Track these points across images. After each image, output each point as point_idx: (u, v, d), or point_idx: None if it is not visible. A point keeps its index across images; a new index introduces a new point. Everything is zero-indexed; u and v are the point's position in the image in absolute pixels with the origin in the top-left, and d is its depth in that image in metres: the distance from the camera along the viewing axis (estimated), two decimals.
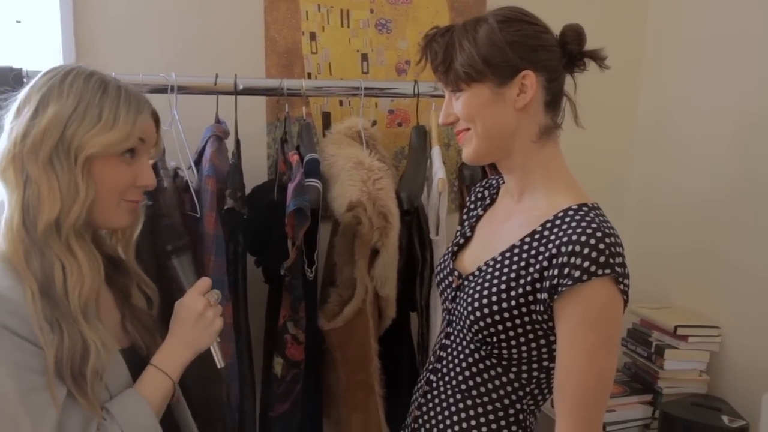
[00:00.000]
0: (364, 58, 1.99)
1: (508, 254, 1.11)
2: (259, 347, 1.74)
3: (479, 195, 1.34)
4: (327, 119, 1.97)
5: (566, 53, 1.13)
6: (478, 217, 1.28)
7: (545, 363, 1.12)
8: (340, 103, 1.98)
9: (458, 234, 1.31)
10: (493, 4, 2.08)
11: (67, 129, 1.01)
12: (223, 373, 1.46)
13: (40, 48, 1.80)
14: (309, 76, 1.94)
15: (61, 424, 0.96)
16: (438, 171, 1.64)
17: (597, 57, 1.14)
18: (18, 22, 1.86)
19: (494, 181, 1.32)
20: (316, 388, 1.70)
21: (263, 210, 1.58)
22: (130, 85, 1.10)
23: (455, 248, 1.27)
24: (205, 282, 1.19)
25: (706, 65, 2.09)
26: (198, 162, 1.56)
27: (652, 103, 2.32)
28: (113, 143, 1.04)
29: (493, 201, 1.29)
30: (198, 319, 1.15)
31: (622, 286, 1.03)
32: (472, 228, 1.28)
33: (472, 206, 1.34)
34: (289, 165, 1.61)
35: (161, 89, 1.56)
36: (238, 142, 1.65)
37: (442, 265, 1.27)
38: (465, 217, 1.35)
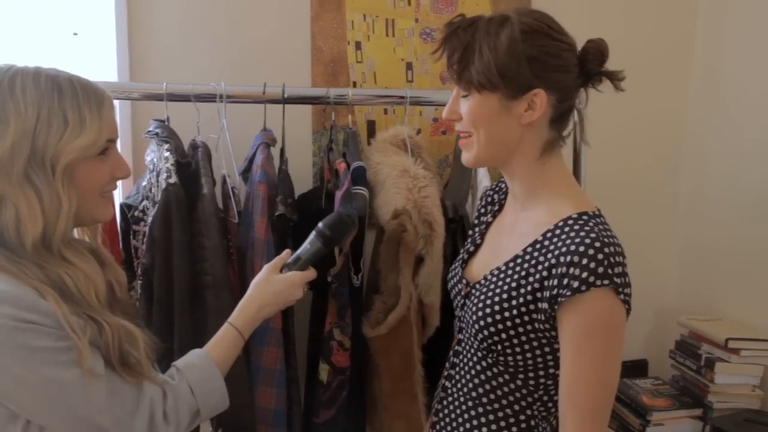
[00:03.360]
0: (409, 66, 2.00)
1: (511, 264, 1.12)
2: (302, 353, 1.76)
3: (489, 200, 1.34)
4: (372, 127, 1.98)
5: (584, 72, 1.11)
6: (488, 225, 1.28)
7: (551, 370, 1.12)
8: (385, 111, 1.99)
9: (469, 241, 1.31)
10: (539, 8, 2.09)
11: (36, 141, 0.97)
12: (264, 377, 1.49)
13: (96, 60, 1.86)
14: (354, 84, 1.96)
15: (113, 390, 0.98)
16: (483, 179, 1.64)
17: (614, 78, 1.12)
18: (75, 34, 1.92)
19: (503, 185, 1.31)
20: (361, 395, 1.70)
21: (310, 217, 1.59)
22: (78, 76, 1.04)
23: (466, 256, 1.28)
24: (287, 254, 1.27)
25: (763, 52, 2.03)
26: (247, 169, 1.59)
27: (702, 106, 2.26)
28: (87, 146, 1.00)
29: (501, 207, 1.28)
30: (287, 288, 1.21)
31: (622, 296, 1.02)
32: (482, 235, 1.28)
33: (483, 211, 1.34)
34: (336, 173, 1.62)
35: (210, 98, 1.59)
36: (282, 150, 1.68)
37: (453, 273, 1.28)
38: (476, 222, 1.35)
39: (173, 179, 1.43)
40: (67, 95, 0.99)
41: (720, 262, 2.18)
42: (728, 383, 1.94)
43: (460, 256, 1.30)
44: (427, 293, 1.62)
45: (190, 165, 1.52)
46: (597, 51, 1.10)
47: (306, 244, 1.26)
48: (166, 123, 1.59)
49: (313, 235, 1.26)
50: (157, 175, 1.57)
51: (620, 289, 1.01)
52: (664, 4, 2.25)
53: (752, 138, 2.05)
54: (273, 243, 1.49)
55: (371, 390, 1.73)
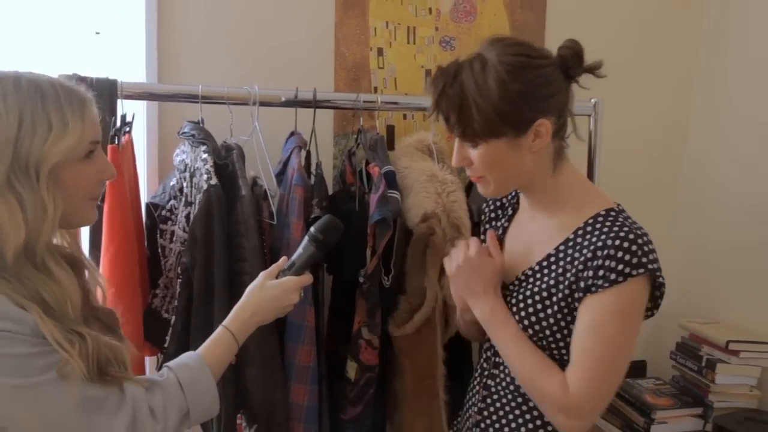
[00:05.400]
0: (428, 73, 2.06)
1: (545, 263, 1.18)
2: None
3: (499, 204, 1.39)
4: (391, 132, 2.03)
5: (569, 78, 1.15)
6: (505, 229, 1.33)
7: None
8: (404, 116, 2.05)
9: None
10: (554, 23, 2.16)
11: (20, 147, 0.95)
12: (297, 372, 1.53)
13: (120, 59, 1.87)
14: (375, 90, 2.01)
15: (86, 394, 0.96)
16: None
17: (594, 71, 1.15)
18: (97, 33, 1.93)
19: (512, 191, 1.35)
20: (384, 393, 1.75)
21: (339, 218, 1.63)
22: (60, 78, 1.03)
23: None
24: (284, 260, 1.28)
25: (764, 61, 2.12)
26: (281, 172, 1.63)
27: (705, 119, 2.35)
28: (71, 149, 0.99)
29: (515, 210, 1.33)
30: (282, 293, 1.22)
31: (660, 279, 1.11)
32: (500, 240, 1.33)
33: (493, 215, 1.39)
34: (366, 176, 1.67)
35: (242, 101, 1.62)
36: (308, 154, 1.72)
37: None
38: (488, 227, 1.39)
39: (214, 180, 1.46)
40: (50, 98, 0.98)
41: (719, 266, 2.28)
42: (728, 383, 2.03)
43: None
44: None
45: (227, 167, 1.55)
46: (574, 55, 1.14)
47: (300, 250, 1.28)
48: (201, 124, 1.62)
49: (306, 240, 1.28)
50: (191, 176, 1.60)
51: (656, 273, 1.10)
52: (668, 10, 2.34)
53: (755, 143, 2.15)
54: None
55: (392, 388, 1.78)
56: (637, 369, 2.39)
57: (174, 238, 1.64)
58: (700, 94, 2.37)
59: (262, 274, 1.26)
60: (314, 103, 1.67)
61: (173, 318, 1.55)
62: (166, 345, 1.57)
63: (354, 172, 1.77)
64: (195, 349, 1.41)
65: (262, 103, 1.64)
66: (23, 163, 0.95)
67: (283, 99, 1.66)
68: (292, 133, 1.72)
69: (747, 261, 2.16)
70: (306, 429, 1.57)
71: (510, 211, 1.35)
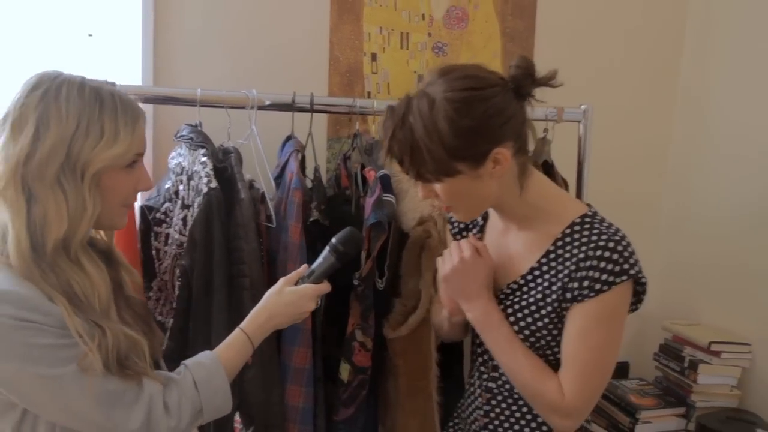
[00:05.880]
0: (421, 79, 2.09)
1: (529, 277, 1.22)
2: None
3: None
4: None
5: (521, 95, 1.14)
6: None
7: None
8: None
9: None
10: (543, 30, 2.20)
11: (72, 147, 1.02)
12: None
13: (115, 61, 1.87)
14: (368, 95, 2.04)
15: (106, 387, 1.01)
16: None
17: (549, 83, 1.15)
18: (90, 35, 1.93)
19: None
20: (377, 395, 1.77)
21: (336, 221, 1.65)
22: (120, 91, 1.11)
23: None
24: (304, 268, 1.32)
25: (744, 77, 2.19)
26: (279, 175, 1.64)
27: (689, 123, 2.41)
28: (117, 157, 1.06)
29: (485, 220, 1.36)
30: (299, 299, 1.25)
31: (642, 280, 1.15)
32: None
33: (462, 225, 1.41)
34: (362, 180, 1.69)
35: (240, 105, 1.64)
36: (303, 158, 1.73)
37: None
38: (459, 238, 1.41)
39: (214, 184, 1.47)
40: (107, 108, 1.06)
41: (699, 273, 2.34)
42: (709, 383, 2.09)
43: None
44: None
45: (225, 170, 1.56)
46: (524, 75, 1.13)
47: (320, 259, 1.32)
48: (199, 128, 1.63)
49: (327, 250, 1.32)
50: (188, 179, 1.61)
51: (639, 276, 1.14)
52: (651, 31, 2.39)
53: (732, 161, 2.21)
54: (305, 247, 1.55)
55: (385, 390, 1.80)
56: (621, 370, 2.44)
57: (169, 241, 1.64)
58: (681, 117, 2.44)
59: (281, 280, 1.29)
60: (311, 108, 1.69)
61: (170, 320, 1.56)
62: (164, 346, 1.58)
63: (349, 175, 1.78)
64: (193, 351, 1.44)
65: (260, 107, 1.66)
66: (72, 163, 1.02)
67: (281, 103, 1.67)
68: (289, 137, 1.74)
69: (726, 267, 2.22)
70: (301, 430, 1.59)
71: (480, 221, 1.37)
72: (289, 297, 1.26)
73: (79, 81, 1.06)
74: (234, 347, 1.20)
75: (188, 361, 1.16)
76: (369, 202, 1.57)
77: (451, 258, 1.26)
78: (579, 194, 1.92)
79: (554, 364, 1.22)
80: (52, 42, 1.85)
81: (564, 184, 1.90)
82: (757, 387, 2.09)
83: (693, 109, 2.39)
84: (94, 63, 1.86)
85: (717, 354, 2.06)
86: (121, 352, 1.04)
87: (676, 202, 2.45)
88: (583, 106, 1.89)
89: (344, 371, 1.67)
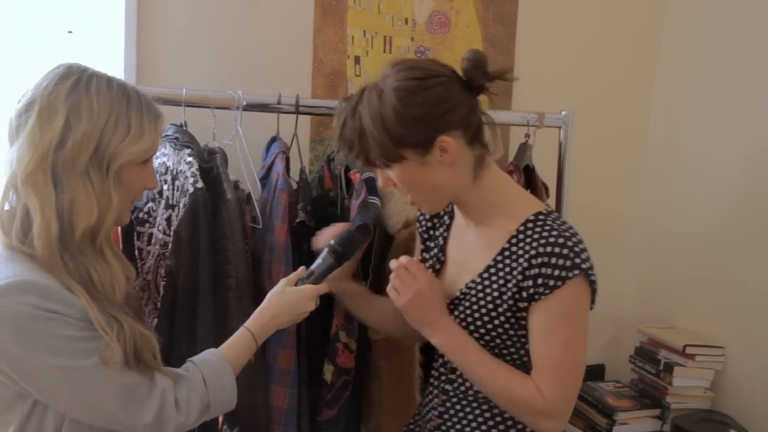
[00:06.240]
0: None
1: (485, 274, 1.22)
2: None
3: (434, 214, 1.40)
4: None
5: (473, 88, 1.17)
6: (445, 239, 1.37)
7: None
8: None
9: (432, 259, 1.38)
10: (524, 37, 2.24)
11: (102, 140, 1.05)
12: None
13: (96, 59, 1.85)
14: None
15: (124, 381, 1.04)
16: None
17: (503, 76, 1.18)
18: (70, 32, 1.91)
19: None
20: (360, 396, 1.77)
21: (320, 222, 1.65)
22: (142, 90, 1.15)
23: (433, 273, 1.34)
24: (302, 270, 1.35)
25: (717, 92, 2.25)
26: (265, 176, 1.64)
27: (663, 129, 2.47)
28: (142, 153, 1.10)
29: (451, 218, 1.36)
30: (299, 299, 1.28)
31: (592, 277, 1.16)
32: (443, 250, 1.36)
33: (430, 224, 1.42)
34: (346, 182, 1.69)
35: (225, 105, 1.63)
36: (288, 159, 1.73)
37: None
38: (426, 236, 1.42)
39: (200, 184, 1.46)
40: (134, 104, 1.10)
41: (672, 282, 2.40)
42: (684, 386, 2.13)
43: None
44: None
45: (211, 170, 1.55)
46: (474, 67, 1.16)
47: (319, 260, 1.35)
48: (184, 128, 1.62)
49: (326, 251, 1.35)
50: (173, 179, 1.59)
51: (589, 272, 1.14)
52: (628, 40, 2.45)
53: (702, 179, 2.28)
54: (291, 248, 1.54)
55: (369, 391, 1.80)
56: (596, 372, 2.48)
57: (153, 241, 1.62)
58: (657, 120, 2.49)
59: (282, 281, 1.33)
60: (297, 109, 1.69)
61: (153, 320, 1.55)
62: None
63: (333, 177, 1.79)
64: (177, 351, 1.44)
65: (245, 108, 1.65)
66: (101, 155, 1.06)
67: (267, 104, 1.67)
68: (274, 138, 1.73)
69: (700, 274, 2.28)
70: (285, 431, 1.58)
71: (447, 220, 1.37)
72: (290, 297, 1.29)
73: (106, 76, 1.10)
74: (239, 346, 1.23)
75: (195, 359, 1.18)
76: (355, 204, 1.58)
77: (406, 289, 1.24)
78: (559, 197, 1.95)
79: (521, 368, 1.22)
80: (30, 38, 1.82)
81: (544, 189, 1.94)
82: (730, 389, 2.14)
83: (668, 117, 2.45)
84: (74, 60, 1.83)
85: (692, 357, 2.11)
86: (137, 346, 1.06)
87: (652, 209, 2.50)
88: (563, 112, 1.92)
89: (328, 372, 1.67)
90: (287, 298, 1.29)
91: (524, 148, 1.89)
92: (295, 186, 1.64)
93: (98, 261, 1.07)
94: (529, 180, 1.89)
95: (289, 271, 1.53)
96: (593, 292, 1.18)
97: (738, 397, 2.11)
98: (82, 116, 1.04)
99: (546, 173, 1.92)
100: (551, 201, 1.95)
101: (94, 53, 1.86)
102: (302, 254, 1.60)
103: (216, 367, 1.17)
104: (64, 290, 1.02)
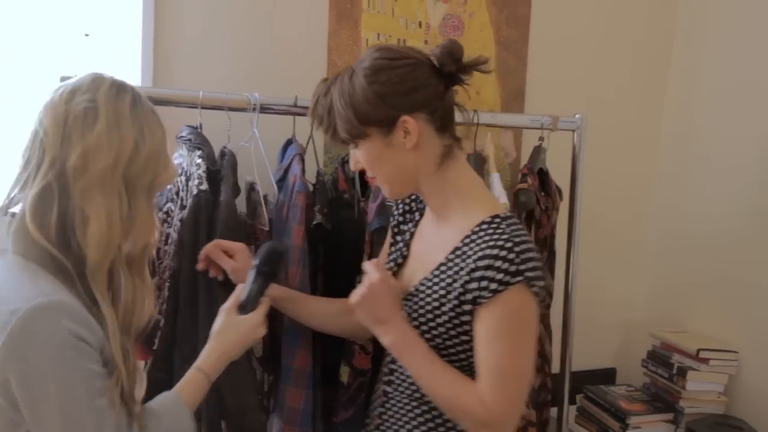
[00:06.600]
0: None
1: (436, 272, 1.21)
2: None
3: (407, 209, 1.41)
4: None
5: (445, 76, 1.18)
6: (411, 234, 1.37)
7: None
8: None
9: (396, 252, 1.38)
10: (536, 40, 2.24)
11: (157, 164, 1.07)
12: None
13: (113, 62, 1.86)
14: None
15: (119, 425, 1.00)
16: (500, 196, 1.74)
17: (478, 67, 1.19)
18: (87, 35, 1.92)
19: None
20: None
21: (337, 224, 1.65)
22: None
23: (395, 268, 1.35)
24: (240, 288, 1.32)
25: (730, 95, 2.24)
26: (282, 178, 1.64)
27: (676, 131, 2.46)
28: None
29: (421, 214, 1.36)
30: (247, 333, 1.27)
31: (535, 288, 1.14)
32: (408, 245, 1.36)
33: (401, 218, 1.41)
34: (352, 183, 1.71)
35: (242, 107, 1.64)
36: (303, 160, 1.73)
37: None
38: (396, 230, 1.42)
39: (204, 186, 1.46)
40: (162, 130, 1.11)
41: (685, 285, 2.39)
42: (697, 390, 2.12)
43: (390, 268, 1.36)
44: None
45: (219, 172, 1.56)
46: (446, 54, 1.17)
47: (251, 285, 1.32)
48: (199, 130, 1.63)
49: (253, 273, 1.33)
50: (187, 180, 1.60)
51: (532, 282, 1.12)
52: (642, 42, 2.45)
53: (714, 182, 2.28)
54: (308, 250, 1.55)
55: None
56: (607, 376, 2.48)
57: (169, 241, 1.63)
58: (670, 124, 2.49)
59: (223, 313, 1.29)
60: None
61: (162, 320, 1.55)
62: (155, 347, 1.57)
63: (347, 179, 1.79)
64: (180, 352, 1.45)
65: (262, 110, 1.66)
66: (150, 178, 1.06)
67: (283, 106, 1.67)
68: (290, 141, 1.74)
69: (712, 277, 2.28)
70: None
71: (417, 216, 1.37)
72: (236, 334, 1.27)
73: (139, 92, 1.09)
74: (192, 385, 1.19)
75: (154, 405, 1.12)
76: (372, 207, 1.58)
77: (359, 285, 1.24)
78: (572, 201, 1.94)
79: (467, 371, 1.20)
80: (48, 42, 1.84)
81: (558, 192, 1.93)
82: (744, 393, 2.13)
83: (681, 120, 2.44)
84: (91, 63, 1.85)
85: (705, 361, 2.10)
86: (132, 382, 1.03)
87: (665, 212, 2.50)
88: (577, 115, 1.92)
89: (344, 373, 1.67)
90: (233, 336, 1.26)
91: (538, 151, 1.89)
92: (311, 188, 1.64)
93: (138, 281, 1.06)
94: (543, 183, 1.89)
95: (306, 273, 1.54)
96: (539, 302, 1.16)
97: (752, 401, 2.10)
98: (146, 135, 1.04)
99: (558, 177, 1.92)
100: (564, 204, 1.95)
101: (111, 56, 1.87)
102: (318, 256, 1.61)
103: (177, 415, 1.13)
104: (86, 313, 0.98)
